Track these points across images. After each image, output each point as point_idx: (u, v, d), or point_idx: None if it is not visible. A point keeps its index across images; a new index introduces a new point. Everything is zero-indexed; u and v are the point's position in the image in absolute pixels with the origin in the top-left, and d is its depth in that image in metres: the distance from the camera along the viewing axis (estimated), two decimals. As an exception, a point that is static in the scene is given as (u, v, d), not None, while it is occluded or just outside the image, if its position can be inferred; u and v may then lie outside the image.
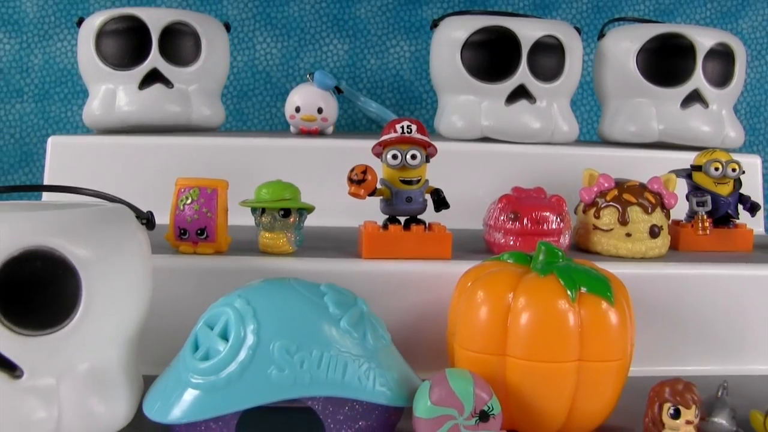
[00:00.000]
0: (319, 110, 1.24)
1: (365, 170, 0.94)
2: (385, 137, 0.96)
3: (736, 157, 1.29)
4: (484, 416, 0.70)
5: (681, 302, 1.01)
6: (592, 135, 1.75)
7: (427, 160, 0.97)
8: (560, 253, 0.80)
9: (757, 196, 1.30)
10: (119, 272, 0.75)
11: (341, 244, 1.04)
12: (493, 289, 0.77)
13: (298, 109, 1.24)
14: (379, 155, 0.97)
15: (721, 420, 0.79)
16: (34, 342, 0.70)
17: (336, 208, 1.09)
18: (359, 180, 0.94)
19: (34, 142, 1.69)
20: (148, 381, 0.81)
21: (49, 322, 0.71)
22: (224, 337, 0.73)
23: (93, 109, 1.24)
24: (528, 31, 1.22)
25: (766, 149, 1.80)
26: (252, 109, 1.70)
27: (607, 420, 0.81)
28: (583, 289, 0.75)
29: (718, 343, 1.02)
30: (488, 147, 1.24)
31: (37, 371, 0.71)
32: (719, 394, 0.82)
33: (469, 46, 1.23)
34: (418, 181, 0.97)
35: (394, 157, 0.95)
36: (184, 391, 0.73)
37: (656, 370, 0.99)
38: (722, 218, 1.11)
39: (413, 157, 0.95)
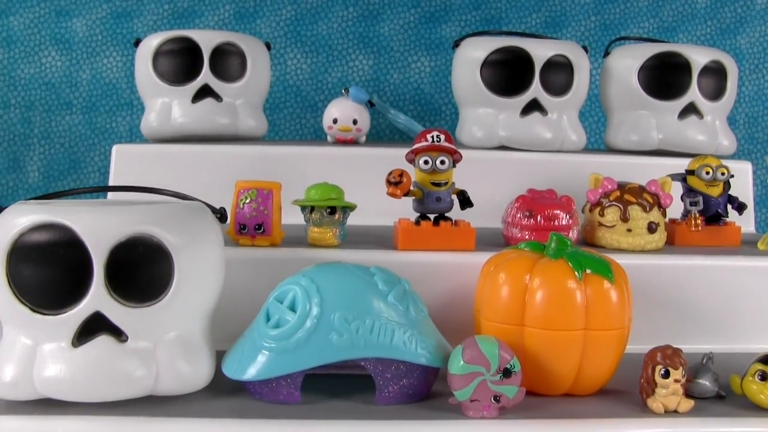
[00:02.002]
0: (354, 122, 1.40)
1: (402, 174, 1.09)
2: (417, 145, 1.11)
3: (729, 163, 1.44)
4: (507, 373, 0.84)
5: (675, 289, 1.16)
6: (600, 144, 1.89)
7: (454, 165, 1.12)
8: (569, 242, 0.95)
9: (748, 198, 1.44)
10: (202, 256, 0.91)
11: (378, 238, 1.19)
12: (513, 271, 0.92)
13: (335, 121, 1.40)
14: (411, 161, 1.12)
15: (704, 381, 0.95)
16: (136, 312, 0.86)
17: (370, 208, 1.23)
18: (396, 182, 1.09)
19: (82, 151, 1.85)
20: (218, 356, 0.96)
21: (148, 296, 0.86)
22: (292, 309, 0.88)
23: (150, 121, 1.40)
24: (540, 50, 1.37)
25: (763, 157, 1.95)
26: (284, 120, 1.86)
27: (610, 384, 0.96)
28: (589, 271, 0.90)
29: (708, 324, 1.17)
30: (505, 155, 1.40)
31: (139, 336, 0.86)
32: (703, 361, 0.97)
33: (487, 64, 1.38)
34: (446, 183, 1.12)
35: (426, 162, 1.10)
36: (258, 354, 0.88)
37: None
38: (713, 217, 1.26)
39: (442, 162, 1.10)
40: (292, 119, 1.88)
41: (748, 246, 1.26)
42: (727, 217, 1.27)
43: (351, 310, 0.87)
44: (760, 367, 0.92)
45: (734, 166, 1.44)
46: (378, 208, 1.22)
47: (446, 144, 1.11)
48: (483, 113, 1.39)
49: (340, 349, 0.86)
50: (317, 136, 1.89)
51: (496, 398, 0.85)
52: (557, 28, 1.90)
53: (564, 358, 0.89)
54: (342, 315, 0.86)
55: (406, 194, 1.11)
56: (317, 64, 1.87)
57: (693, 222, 1.22)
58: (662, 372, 0.88)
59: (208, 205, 1.00)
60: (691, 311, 1.17)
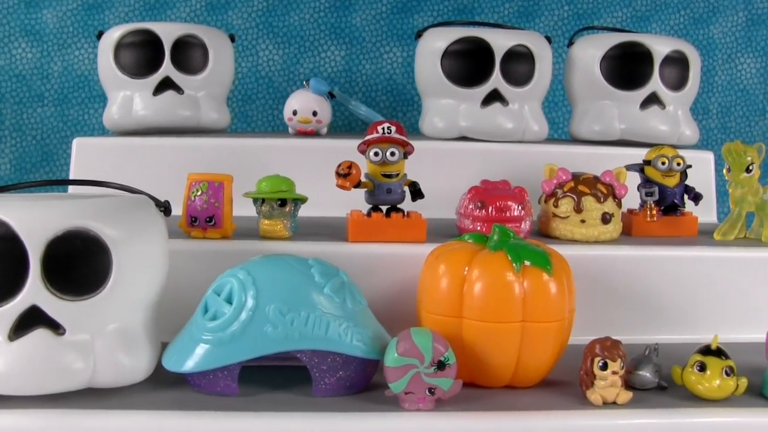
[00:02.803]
0: (314, 113, 1.39)
1: (350, 165, 1.09)
2: (368, 137, 1.11)
3: (692, 153, 1.45)
4: (441, 365, 0.85)
5: (630, 279, 1.16)
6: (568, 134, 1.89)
7: (405, 157, 1.12)
8: (511, 234, 0.95)
9: (710, 188, 1.44)
10: (142, 250, 0.91)
11: (332, 230, 1.19)
12: (453, 263, 0.92)
13: (295, 112, 1.40)
14: (363, 152, 1.12)
15: (645, 373, 0.95)
16: (74, 305, 0.86)
17: (330, 200, 1.22)
18: (345, 174, 1.09)
19: (54, 143, 1.85)
20: (166, 348, 0.97)
21: (86, 289, 0.87)
22: (229, 301, 0.89)
23: (112, 113, 1.40)
24: (501, 41, 1.36)
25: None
26: (256, 111, 1.85)
27: (554, 375, 0.97)
28: (527, 263, 0.90)
29: (663, 315, 1.16)
30: (466, 145, 1.39)
31: (76, 329, 0.86)
32: (646, 352, 0.97)
33: (448, 54, 1.37)
34: (397, 175, 1.12)
35: (376, 154, 1.10)
36: (196, 346, 0.89)
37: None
38: (670, 207, 1.25)
39: (392, 154, 1.10)
40: (264, 110, 1.87)
41: (704, 236, 1.26)
42: (684, 207, 1.26)
43: (286, 303, 0.87)
44: (699, 358, 0.92)
45: (697, 156, 1.44)
46: (337, 199, 1.21)
47: (397, 135, 1.10)
48: (444, 104, 1.39)
49: (274, 341, 0.86)
50: (287, 128, 1.90)
51: (431, 390, 0.85)
52: (529, 18, 1.89)
53: (502, 350, 0.89)
54: (277, 307, 0.87)
55: (357, 186, 1.11)
56: (289, 55, 1.86)
57: (648, 212, 1.21)
58: (600, 364, 0.88)
59: (153, 198, 1.00)
60: (646, 302, 1.16)
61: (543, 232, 1.21)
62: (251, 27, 1.87)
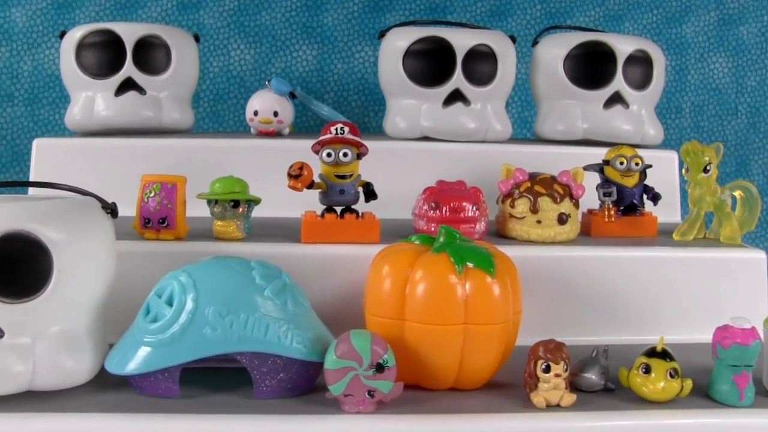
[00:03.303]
0: (275, 113, 1.39)
1: (302, 166, 1.09)
2: (321, 138, 1.11)
3: (656, 153, 1.44)
4: (380, 368, 0.84)
5: (586, 280, 1.15)
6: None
7: (359, 158, 1.12)
8: (457, 235, 0.95)
9: (674, 188, 1.43)
10: (84, 252, 0.91)
11: (287, 231, 1.18)
12: (396, 264, 0.91)
13: (256, 113, 1.39)
14: (317, 153, 1.12)
15: (590, 375, 0.94)
16: (14, 308, 0.85)
17: (288, 200, 1.21)
18: (296, 175, 1.08)
19: (24, 143, 1.82)
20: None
21: (26, 292, 0.86)
22: (170, 303, 0.88)
23: (74, 114, 1.40)
24: (462, 40, 1.36)
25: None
26: (227, 111, 1.85)
27: (499, 376, 0.96)
28: (470, 265, 0.89)
29: (619, 316, 1.16)
30: (428, 145, 1.38)
31: (16, 332, 0.86)
32: (593, 354, 0.97)
33: (409, 54, 1.37)
34: (351, 175, 1.11)
35: (329, 155, 1.10)
36: (137, 348, 0.88)
37: (563, 340, 1.12)
38: (629, 207, 1.24)
39: (345, 155, 1.10)
40: (236, 110, 1.85)
41: (664, 236, 1.25)
42: (644, 207, 1.25)
43: (225, 305, 0.87)
44: (644, 360, 0.92)
45: (661, 155, 1.43)
46: (295, 199, 1.20)
47: (350, 136, 1.10)
48: (407, 104, 1.38)
49: (214, 343, 0.86)
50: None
51: (370, 393, 0.85)
52: (502, 17, 1.88)
53: (444, 353, 0.89)
54: (216, 309, 0.86)
55: (311, 187, 1.11)
56: (260, 54, 1.85)
57: (607, 213, 1.21)
58: (543, 366, 0.88)
59: (101, 200, 0.99)
60: (603, 302, 1.16)
61: (500, 232, 1.20)
62: (222, 26, 1.86)
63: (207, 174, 1.21)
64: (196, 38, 1.50)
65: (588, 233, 1.24)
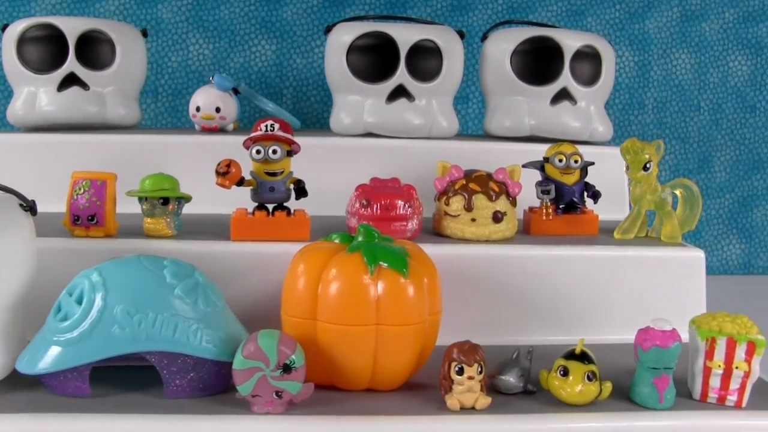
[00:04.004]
0: (217, 109, 1.37)
1: (229, 164, 1.08)
2: (252, 134, 1.09)
3: (605, 150, 1.43)
4: (287, 368, 0.83)
5: (521, 280, 1.14)
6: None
7: (290, 155, 1.10)
8: (376, 234, 0.94)
9: (622, 186, 1.41)
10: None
11: (221, 228, 1.17)
12: (310, 264, 0.90)
13: (198, 109, 1.38)
14: (248, 149, 1.10)
15: (509, 378, 0.93)
16: None
17: (226, 197, 1.19)
18: (224, 172, 1.07)
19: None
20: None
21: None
22: (79, 302, 0.88)
23: (16, 109, 1.38)
24: (406, 35, 1.34)
25: (672, 141, 1.92)
26: (185, 106, 1.82)
27: (418, 377, 0.95)
28: (384, 265, 0.88)
29: (554, 316, 1.14)
30: (372, 142, 1.37)
31: None
32: (513, 356, 0.96)
33: (353, 49, 1.35)
34: (281, 173, 1.10)
35: (258, 152, 1.08)
36: (48, 347, 0.88)
37: (497, 340, 1.11)
38: (570, 205, 1.23)
39: (274, 152, 1.08)
40: (194, 105, 1.86)
41: (606, 235, 1.24)
42: (584, 205, 1.24)
43: (134, 304, 0.86)
44: (562, 362, 0.90)
45: (610, 152, 1.41)
46: (233, 197, 1.19)
47: (280, 133, 1.09)
48: (351, 100, 1.36)
49: (122, 342, 0.85)
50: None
51: (278, 394, 0.84)
52: (463, 12, 1.87)
53: (357, 354, 0.88)
54: (125, 308, 0.85)
55: (240, 184, 1.10)
56: (219, 49, 1.84)
57: (544, 211, 1.20)
58: (457, 369, 0.87)
59: (20, 197, 0.98)
60: (540, 302, 1.14)
61: (436, 230, 1.19)
62: (181, 21, 1.85)
63: (148, 170, 1.19)
64: (144, 33, 1.49)
65: (528, 232, 1.23)
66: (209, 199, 1.20)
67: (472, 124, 1.90)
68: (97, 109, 1.38)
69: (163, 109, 1.85)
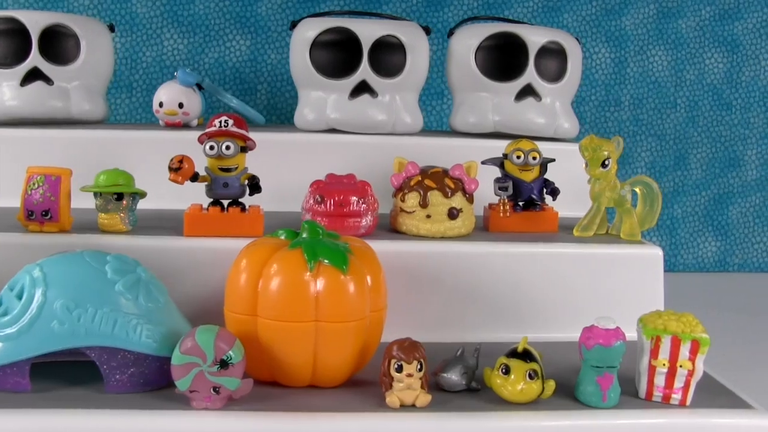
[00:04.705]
0: (180, 105, 1.37)
1: (182, 159, 1.08)
2: (206, 130, 1.09)
3: (570, 146, 1.42)
4: (224, 364, 0.83)
5: (476, 276, 1.13)
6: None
7: (244, 151, 1.10)
8: (321, 230, 0.93)
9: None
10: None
11: (177, 224, 1.16)
12: (252, 259, 0.90)
13: (161, 104, 1.38)
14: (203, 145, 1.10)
15: (451, 375, 0.93)
16: None
17: (186, 192, 1.19)
18: (176, 168, 1.07)
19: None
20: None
21: None
22: (20, 297, 0.88)
23: (-22, 104, 1.39)
24: (369, 31, 1.34)
25: (648, 139, 1.91)
26: (159, 101, 1.84)
27: (363, 374, 0.95)
28: (325, 261, 0.88)
29: (509, 313, 1.14)
30: (335, 138, 1.37)
31: None
32: (457, 353, 0.95)
33: (317, 45, 1.35)
34: (236, 168, 1.10)
35: (211, 147, 1.08)
36: (-13, 342, 0.88)
37: (450, 337, 1.10)
38: (529, 202, 1.23)
39: (227, 148, 1.08)
40: (169, 101, 1.86)
41: (565, 232, 1.24)
42: (544, 202, 1.24)
43: (74, 299, 0.86)
44: (504, 360, 0.90)
45: (575, 149, 1.39)
46: (192, 192, 1.19)
47: (234, 129, 1.09)
48: (315, 96, 1.36)
49: (61, 337, 0.85)
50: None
51: (216, 389, 0.84)
52: (439, 8, 1.86)
53: (297, 350, 0.88)
54: (64, 303, 0.86)
55: (195, 180, 1.10)
56: (194, 44, 1.84)
57: (502, 207, 1.19)
58: (396, 366, 0.86)
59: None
60: (495, 299, 1.14)
61: (392, 227, 1.18)
62: (155, 16, 1.85)
63: (111, 166, 1.19)
64: (111, 28, 1.48)
65: (487, 228, 1.23)
66: (171, 194, 1.20)
67: (447, 120, 1.90)
68: (62, 104, 1.38)
69: (137, 105, 1.85)
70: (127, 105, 1.84)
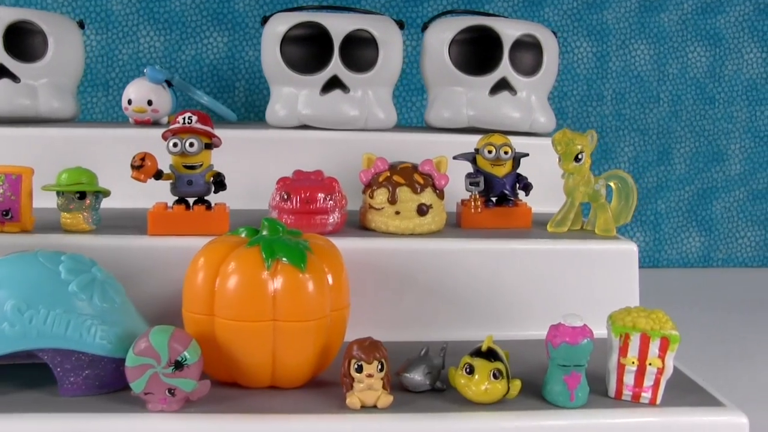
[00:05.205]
0: (149, 102, 1.35)
1: (144, 157, 1.06)
2: (170, 127, 1.07)
3: (546, 141, 1.39)
4: (178, 365, 0.81)
5: (446, 274, 1.11)
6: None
7: (209, 148, 1.08)
8: (281, 228, 0.91)
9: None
10: None
11: (143, 223, 1.14)
12: (209, 258, 0.88)
13: (130, 102, 1.36)
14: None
15: (414, 375, 0.90)
16: None
17: (154, 190, 1.17)
18: (138, 166, 1.05)
19: None
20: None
21: None
22: (-28, 299, 0.86)
23: (-54, 102, 1.36)
24: (341, 26, 1.31)
25: (631, 133, 1.89)
26: (135, 99, 1.82)
27: (326, 374, 0.93)
28: (284, 260, 0.86)
29: (481, 311, 1.12)
30: (307, 134, 1.34)
31: None
32: (421, 353, 0.93)
33: (288, 40, 1.33)
34: (200, 166, 1.08)
35: (175, 145, 1.06)
36: (-61, 345, 0.85)
37: (419, 336, 1.08)
38: (502, 197, 1.20)
39: (191, 145, 1.06)
40: (146, 98, 1.83)
41: (539, 228, 1.22)
42: (517, 197, 1.21)
43: (26, 300, 0.84)
44: (468, 360, 0.88)
45: (546, 144, 1.39)
46: (162, 190, 1.17)
47: (198, 126, 1.06)
48: (286, 92, 1.34)
49: (12, 339, 0.83)
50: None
51: (171, 391, 0.82)
52: (419, 2, 1.83)
53: (255, 350, 0.86)
54: (15, 305, 0.83)
55: (158, 178, 1.08)
56: (170, 41, 1.82)
57: (473, 203, 1.17)
58: (356, 366, 0.84)
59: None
60: (466, 297, 1.12)
61: (362, 224, 1.16)
62: (131, 13, 1.82)
63: (78, 164, 1.16)
64: (81, 25, 1.46)
65: (460, 225, 1.21)
66: (139, 193, 1.18)
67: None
68: (29, 102, 1.35)
69: (114, 102, 1.82)
70: (104, 103, 1.82)
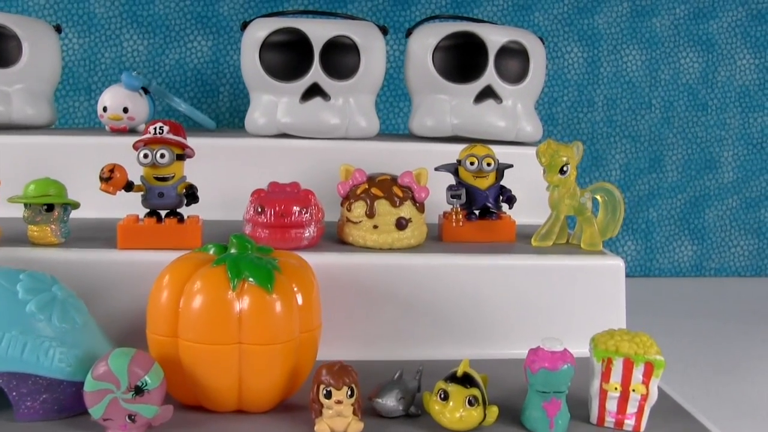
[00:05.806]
0: (125, 110, 1.32)
1: (113, 168, 1.02)
2: (141, 137, 1.04)
3: (533, 150, 1.36)
4: (138, 390, 0.78)
5: (424, 290, 1.08)
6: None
7: (181, 159, 1.05)
8: (250, 246, 0.88)
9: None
10: None
11: (113, 235, 1.11)
12: (173, 277, 0.84)
13: (105, 109, 1.32)
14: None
15: (386, 401, 0.87)
16: None
17: (129, 202, 1.14)
18: (107, 177, 1.02)
19: None
20: None
21: None
22: (-76, 320, 0.82)
23: None
24: (320, 31, 1.28)
25: (623, 140, 1.86)
26: (117, 104, 1.78)
27: (294, 398, 0.89)
28: (251, 280, 0.82)
29: (461, 330, 1.08)
30: (286, 142, 1.31)
31: None
32: (394, 377, 0.90)
33: (267, 46, 1.29)
34: (172, 177, 1.05)
35: (145, 156, 1.03)
36: None
37: (396, 355, 1.06)
38: (485, 210, 1.17)
39: (162, 156, 1.03)
40: (128, 103, 1.80)
41: (523, 241, 1.18)
42: (500, 210, 1.18)
43: (-20, 322, 0.81)
44: (442, 385, 0.84)
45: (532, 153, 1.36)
46: (134, 201, 1.14)
47: (170, 136, 1.03)
48: (266, 99, 1.30)
49: (-35, 363, 0.80)
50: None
51: (131, 417, 0.79)
52: (405, 7, 1.80)
53: (220, 374, 0.82)
54: (-31, 327, 0.80)
55: (129, 189, 1.04)
56: (154, 45, 1.78)
57: (454, 217, 1.14)
58: (325, 392, 0.81)
59: None
60: (448, 315, 1.09)
61: (339, 237, 1.13)
62: (114, 16, 1.79)
63: (52, 173, 1.13)
64: (58, 29, 1.43)
65: (441, 239, 1.17)
66: (112, 204, 1.13)
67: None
68: (2, 108, 1.32)
69: (96, 107, 1.79)
70: (86, 107, 1.79)
